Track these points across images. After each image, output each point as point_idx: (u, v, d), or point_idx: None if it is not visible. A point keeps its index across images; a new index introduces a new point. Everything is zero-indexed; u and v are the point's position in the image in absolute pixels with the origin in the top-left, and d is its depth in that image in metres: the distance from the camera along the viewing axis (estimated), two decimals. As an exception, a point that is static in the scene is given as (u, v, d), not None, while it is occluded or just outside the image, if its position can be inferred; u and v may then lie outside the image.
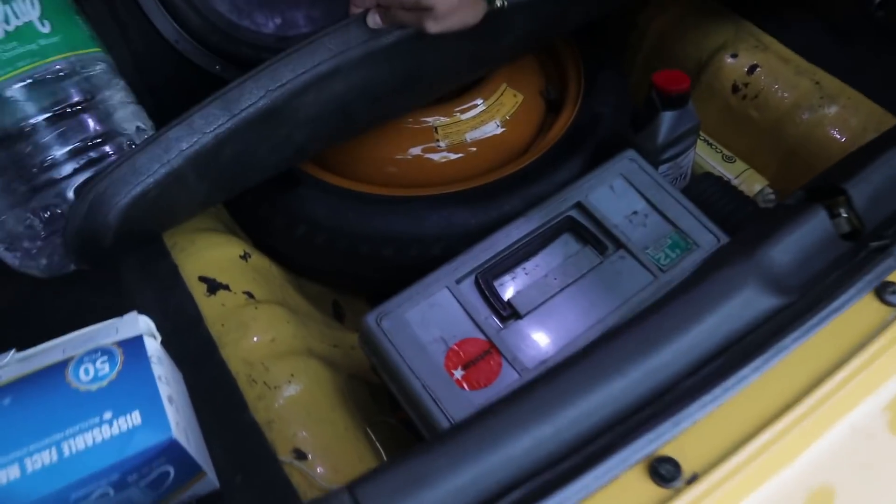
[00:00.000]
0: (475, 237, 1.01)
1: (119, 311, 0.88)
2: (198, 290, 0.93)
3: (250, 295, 0.95)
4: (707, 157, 1.21)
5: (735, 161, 1.20)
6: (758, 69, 1.21)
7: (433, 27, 0.86)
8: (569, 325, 0.89)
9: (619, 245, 0.96)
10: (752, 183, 1.18)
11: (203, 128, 0.83)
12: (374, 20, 0.88)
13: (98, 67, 0.86)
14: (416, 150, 1.12)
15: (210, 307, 0.91)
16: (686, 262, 0.94)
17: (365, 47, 0.88)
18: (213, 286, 0.94)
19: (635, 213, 0.98)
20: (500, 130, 1.14)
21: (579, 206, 0.99)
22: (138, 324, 0.65)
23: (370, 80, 0.92)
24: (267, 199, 1.06)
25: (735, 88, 1.22)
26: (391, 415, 0.98)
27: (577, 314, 0.90)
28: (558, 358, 0.86)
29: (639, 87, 1.31)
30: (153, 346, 0.65)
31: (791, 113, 1.17)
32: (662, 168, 1.09)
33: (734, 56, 1.23)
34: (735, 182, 1.18)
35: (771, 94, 1.19)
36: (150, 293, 0.91)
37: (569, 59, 1.25)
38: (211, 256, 0.97)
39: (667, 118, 1.04)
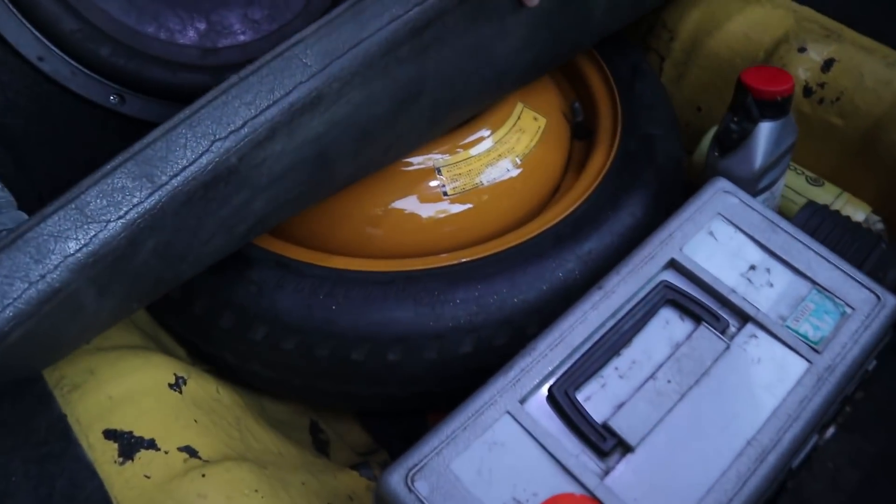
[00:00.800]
0: (522, 323, 0.69)
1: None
2: (104, 455, 0.57)
3: (192, 452, 0.60)
4: (788, 182, 0.92)
5: (823, 184, 0.92)
6: (835, 64, 0.93)
7: None
8: (707, 455, 0.57)
9: (744, 318, 0.65)
10: (851, 210, 0.90)
11: (104, 213, 0.50)
12: None
13: None
14: (411, 204, 0.79)
15: (125, 483, 0.56)
16: (844, 335, 0.64)
17: (360, 53, 0.57)
18: (130, 445, 0.58)
19: (752, 267, 0.68)
20: (517, 171, 0.82)
21: (674, 265, 0.68)
22: None
23: (360, 105, 0.60)
24: (206, 290, 0.71)
25: (808, 91, 0.94)
26: None
27: (714, 434, 0.58)
28: (706, 514, 0.53)
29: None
30: None
31: (889, 115, 0.90)
32: (758, 200, 0.79)
33: (802, 50, 0.95)
34: (830, 211, 0.90)
35: (858, 93, 0.92)
36: (19, 470, 0.55)
37: (590, 66, 0.95)
38: (123, 392, 0.62)
39: (766, 131, 0.75)
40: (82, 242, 0.49)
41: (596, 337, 0.62)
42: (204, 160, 0.53)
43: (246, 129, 0.54)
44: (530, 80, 0.86)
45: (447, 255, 0.74)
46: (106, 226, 0.50)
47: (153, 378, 0.64)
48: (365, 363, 0.69)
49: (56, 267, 0.49)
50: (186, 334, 0.75)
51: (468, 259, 0.72)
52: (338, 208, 0.78)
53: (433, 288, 0.69)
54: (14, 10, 0.63)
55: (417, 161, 0.80)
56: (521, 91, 0.88)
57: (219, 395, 0.70)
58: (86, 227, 0.50)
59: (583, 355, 0.61)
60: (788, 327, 0.64)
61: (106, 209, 0.50)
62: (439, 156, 0.80)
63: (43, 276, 0.48)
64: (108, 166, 0.52)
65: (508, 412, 0.58)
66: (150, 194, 0.51)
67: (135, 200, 0.51)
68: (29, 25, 0.64)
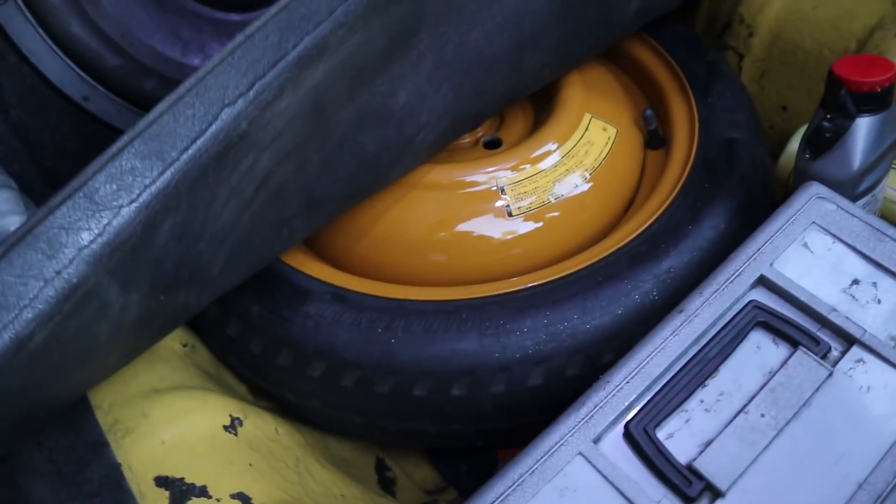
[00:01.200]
0: (596, 351, 0.64)
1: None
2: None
3: (244, 499, 0.57)
4: (890, 182, 0.83)
5: (932, 184, 0.83)
6: (940, 50, 0.84)
7: None
8: (812, 501, 0.50)
9: (848, 340, 0.57)
10: (966, 213, 0.81)
11: (116, 198, 0.47)
12: None
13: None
14: (474, 225, 0.75)
15: (176, 536, 0.53)
16: (967, 357, 0.56)
17: None
18: (181, 493, 0.56)
19: (856, 282, 0.60)
20: (587, 186, 0.77)
21: (764, 282, 0.61)
22: None
23: (358, 46, 0.56)
24: (262, 326, 0.68)
25: (910, 82, 0.85)
26: None
27: (818, 476, 0.51)
28: (813, 571, 0.47)
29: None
30: None
31: None
32: (858, 205, 0.71)
33: (901, 36, 0.86)
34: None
35: (968, 82, 0.82)
36: (69, 524, 0.53)
37: (661, 69, 0.89)
38: (176, 436, 0.60)
39: (865, 127, 0.67)
40: (96, 232, 0.47)
41: (678, 366, 0.56)
42: (215, 128, 0.50)
43: (255, 91, 0.50)
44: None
45: (512, 280, 0.69)
46: (119, 212, 0.47)
47: (208, 420, 0.62)
48: (428, 399, 0.64)
49: (71, 261, 0.46)
50: (246, 373, 0.73)
51: (535, 283, 0.67)
52: (396, 234, 0.74)
53: (498, 316, 0.65)
54: (57, 51, 0.62)
55: (482, 180, 0.76)
56: (589, 99, 0.82)
57: (278, 434, 0.67)
58: (97, 215, 0.47)
59: (663, 387, 0.55)
60: (901, 349, 0.56)
61: (117, 194, 0.47)
62: (503, 173, 0.76)
63: (59, 272, 0.45)
64: (114, 148, 0.48)
65: (581, 453, 0.52)
66: (162, 173, 0.48)
67: (146, 181, 0.48)
68: (72, 65, 0.64)
